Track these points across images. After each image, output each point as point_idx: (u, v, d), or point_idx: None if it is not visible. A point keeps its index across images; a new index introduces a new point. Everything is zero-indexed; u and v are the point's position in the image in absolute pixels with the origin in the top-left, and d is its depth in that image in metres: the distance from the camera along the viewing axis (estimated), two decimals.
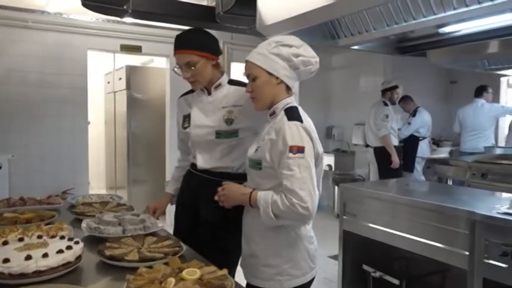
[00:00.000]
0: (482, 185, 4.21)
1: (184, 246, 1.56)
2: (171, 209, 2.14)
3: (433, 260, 2.30)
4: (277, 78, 1.58)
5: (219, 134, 1.86)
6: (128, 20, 3.85)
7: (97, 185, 6.98)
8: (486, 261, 1.98)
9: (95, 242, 1.59)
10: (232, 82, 1.97)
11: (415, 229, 2.34)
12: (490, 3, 2.10)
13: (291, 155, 1.46)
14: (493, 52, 3.62)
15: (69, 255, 1.35)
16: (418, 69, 5.88)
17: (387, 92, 5.07)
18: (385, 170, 4.92)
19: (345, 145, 6.60)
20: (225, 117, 1.86)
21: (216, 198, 1.67)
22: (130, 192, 5.76)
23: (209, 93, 1.94)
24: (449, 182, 4.88)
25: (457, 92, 7.05)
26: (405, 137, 5.66)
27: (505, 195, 2.56)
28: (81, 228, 1.75)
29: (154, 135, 5.81)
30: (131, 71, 5.76)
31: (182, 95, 2.10)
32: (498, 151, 4.82)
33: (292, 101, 1.63)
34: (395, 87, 5.04)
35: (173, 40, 1.89)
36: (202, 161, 1.92)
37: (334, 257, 3.09)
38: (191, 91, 2.04)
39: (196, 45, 1.84)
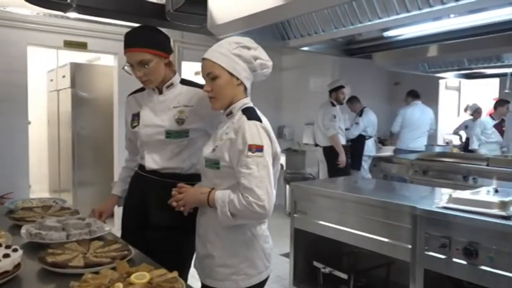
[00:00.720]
0: (423, 181, 4.45)
1: (133, 250, 1.51)
2: (119, 212, 2.07)
3: (379, 254, 2.40)
4: (237, 79, 1.58)
5: (169, 134, 1.82)
6: (72, 15, 3.68)
7: (39, 189, 6.60)
8: (427, 253, 2.09)
9: (36, 249, 1.51)
10: (184, 82, 1.94)
11: (362, 225, 2.43)
12: (428, 9, 2.22)
13: (249, 153, 1.47)
14: (432, 56, 3.84)
15: (6, 264, 1.26)
16: (365, 71, 6.11)
17: (333, 92, 5.22)
18: (334, 169, 5.07)
19: (295, 144, 6.72)
20: (176, 117, 1.83)
21: (173, 203, 1.63)
22: (76, 196, 5.51)
23: (160, 93, 1.89)
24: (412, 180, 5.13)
25: (400, 93, 7.40)
26: (354, 137, 5.87)
27: (444, 190, 2.71)
28: (21, 235, 1.64)
29: (101, 136, 5.59)
30: (76, 68, 5.50)
31: (131, 94, 2.04)
32: (437, 149, 5.11)
33: (249, 101, 1.64)
34: (341, 87, 5.20)
35: (121, 37, 1.83)
36: (150, 162, 1.87)
37: (286, 255, 3.14)
38: (141, 89, 1.98)
39: (149, 43, 1.79)
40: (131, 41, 1.80)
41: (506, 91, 4.91)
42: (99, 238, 1.66)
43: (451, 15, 2.51)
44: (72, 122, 5.48)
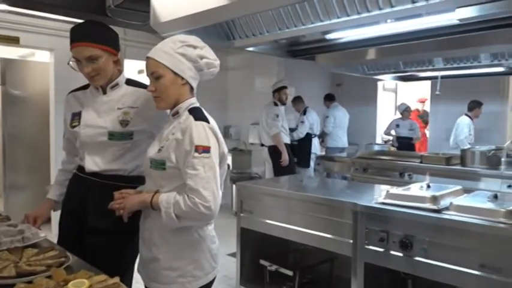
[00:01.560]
0: (364, 178, 4.66)
1: (71, 256, 1.44)
2: (56, 217, 1.96)
3: (323, 250, 2.47)
4: (182, 78, 1.55)
5: (112, 136, 1.75)
6: (2, 7, 3.43)
7: None
8: (367, 247, 2.19)
9: None
10: (130, 82, 1.87)
11: (306, 222, 2.49)
12: (366, 14, 2.32)
13: (196, 154, 1.45)
14: (371, 58, 4.02)
15: None
16: (308, 71, 6.29)
17: (276, 92, 5.31)
18: (279, 168, 5.16)
19: (241, 144, 6.75)
20: (120, 119, 1.76)
21: (114, 207, 1.57)
22: (7, 200, 5.13)
23: (104, 93, 1.81)
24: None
25: (342, 94, 7.69)
26: (303, 135, 6.04)
27: (382, 187, 2.85)
28: None
29: (36, 136, 5.25)
30: (7, 64, 5.13)
31: (72, 92, 1.93)
32: (376, 148, 5.37)
33: (196, 101, 1.62)
34: (284, 88, 5.30)
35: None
36: (91, 164, 1.79)
37: (233, 255, 3.14)
38: (83, 88, 1.89)
39: (99, 38, 1.72)
40: (80, 35, 1.71)
41: (437, 93, 5.26)
42: (34, 245, 1.56)
43: (388, 21, 2.66)
44: (2, 121, 5.10)
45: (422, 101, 8.59)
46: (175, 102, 1.59)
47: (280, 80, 5.54)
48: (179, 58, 1.53)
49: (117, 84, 1.82)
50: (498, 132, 6.28)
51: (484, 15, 2.11)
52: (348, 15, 2.44)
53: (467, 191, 2.37)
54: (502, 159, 4.22)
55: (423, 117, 8.41)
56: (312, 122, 6.19)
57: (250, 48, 3.43)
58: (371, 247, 2.17)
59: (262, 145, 5.43)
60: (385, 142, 7.58)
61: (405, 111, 7.06)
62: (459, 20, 2.22)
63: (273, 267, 2.71)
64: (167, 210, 1.46)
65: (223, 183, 1.62)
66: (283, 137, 5.22)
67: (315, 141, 6.23)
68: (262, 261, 2.77)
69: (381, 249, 2.13)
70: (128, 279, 1.79)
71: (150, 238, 1.59)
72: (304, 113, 6.18)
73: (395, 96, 9.30)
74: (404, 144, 6.67)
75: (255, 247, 2.89)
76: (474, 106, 5.97)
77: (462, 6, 2.12)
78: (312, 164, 6.12)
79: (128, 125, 1.76)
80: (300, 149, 5.91)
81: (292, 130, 6.18)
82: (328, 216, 2.39)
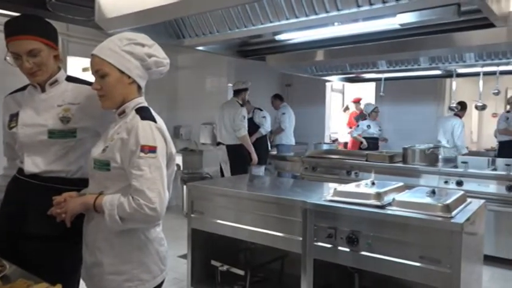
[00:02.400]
0: (313, 177, 4.79)
1: (8, 265, 1.35)
2: None
3: (273, 248, 2.51)
4: (129, 77, 1.50)
5: (52, 134, 1.66)
6: None
7: None
8: (315, 243, 2.25)
9: None
10: (71, 79, 1.79)
11: (257, 221, 2.51)
12: (314, 16, 2.38)
13: (142, 154, 1.41)
14: (319, 60, 4.13)
15: None
16: (259, 72, 6.32)
17: (240, 93, 5.30)
18: (237, 167, 5.16)
19: (192, 144, 6.67)
20: (60, 116, 1.67)
21: (54, 213, 1.50)
22: None
23: (43, 91, 1.72)
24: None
25: (291, 95, 7.83)
26: (269, 129, 6.11)
27: (331, 184, 2.93)
28: None
29: None
30: None
31: (10, 93, 1.81)
32: (325, 147, 5.52)
33: (143, 100, 1.58)
34: (247, 89, 5.30)
35: None
36: (30, 165, 1.68)
37: (184, 256, 3.10)
38: (21, 89, 1.79)
39: (40, 31, 1.62)
40: (19, 28, 1.60)
41: (381, 94, 5.50)
42: None
43: (335, 24, 2.74)
44: None
45: (357, 101, 8.43)
46: (122, 101, 1.54)
47: (244, 81, 5.51)
48: (126, 56, 1.49)
49: (56, 81, 1.73)
50: (436, 132, 6.66)
51: (422, 20, 2.23)
52: (297, 17, 2.50)
53: (408, 187, 2.50)
54: (439, 157, 4.51)
55: (358, 119, 7.83)
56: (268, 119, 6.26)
57: (201, 48, 3.41)
58: (320, 243, 2.23)
59: (219, 144, 5.40)
60: (333, 141, 7.81)
61: (373, 111, 6.93)
62: (400, 24, 2.34)
63: (225, 267, 2.71)
64: (111, 212, 1.41)
65: (172, 184, 1.59)
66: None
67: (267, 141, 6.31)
68: (213, 262, 2.76)
69: (329, 245, 2.20)
70: (72, 286, 1.71)
71: (94, 242, 1.53)
72: (253, 114, 6.24)
73: (343, 97, 9.62)
74: (372, 144, 6.68)
75: (206, 248, 2.87)
76: (463, 107, 6.21)
77: (403, 12, 2.24)
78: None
79: (69, 122, 1.68)
80: (258, 146, 5.93)
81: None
82: (278, 214, 2.42)
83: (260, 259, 2.89)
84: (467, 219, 1.92)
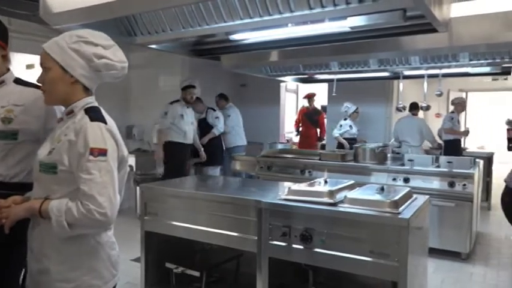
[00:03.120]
0: (268, 176, 4.83)
1: None
2: None
3: (229, 248, 2.50)
4: (72, 76, 1.43)
5: None
6: None
7: None
8: (270, 242, 2.27)
9: None
10: (19, 82, 1.69)
11: (212, 222, 2.49)
12: (268, 17, 2.41)
13: (91, 157, 1.35)
14: (273, 60, 4.17)
15: None
16: (214, 71, 6.27)
17: (183, 90, 5.26)
18: (167, 168, 5.17)
19: (145, 144, 6.52)
20: (2, 116, 1.59)
21: None
22: None
23: None
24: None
25: (246, 94, 7.86)
26: (223, 130, 6.10)
27: (286, 183, 2.97)
28: None
29: None
30: None
31: None
32: (280, 146, 5.59)
33: (93, 100, 1.51)
34: (189, 87, 5.24)
35: None
36: None
37: (137, 260, 3.02)
38: None
39: None
40: None
41: (333, 94, 5.66)
42: None
43: (289, 25, 2.78)
44: None
45: (310, 96, 7.72)
46: (64, 99, 1.47)
47: (185, 78, 5.47)
48: (71, 54, 1.42)
49: (3, 82, 1.64)
50: (385, 131, 6.95)
51: (371, 24, 2.32)
52: (251, 18, 2.51)
53: (359, 184, 2.59)
54: (388, 155, 4.70)
55: (312, 116, 7.48)
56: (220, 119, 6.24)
57: (153, 46, 3.34)
58: (274, 242, 2.26)
59: None
60: (287, 141, 7.92)
61: (355, 112, 6.86)
62: (350, 27, 2.42)
63: (179, 269, 2.67)
64: (58, 218, 1.34)
65: (124, 186, 1.55)
66: (173, 135, 5.17)
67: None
68: (168, 264, 2.71)
69: (284, 244, 2.23)
70: None
71: (40, 248, 1.45)
72: (206, 113, 6.20)
73: (297, 97, 9.78)
74: (352, 145, 6.73)
75: (160, 250, 2.82)
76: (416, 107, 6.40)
77: (353, 15, 2.31)
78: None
79: (10, 123, 1.59)
80: (212, 146, 5.89)
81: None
82: (233, 214, 2.42)
83: (216, 259, 2.87)
84: (413, 215, 2.02)
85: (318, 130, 7.74)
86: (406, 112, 6.30)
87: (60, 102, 1.48)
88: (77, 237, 1.42)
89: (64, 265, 1.43)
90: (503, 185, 3.05)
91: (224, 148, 6.28)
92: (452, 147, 6.07)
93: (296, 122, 7.95)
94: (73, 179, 1.39)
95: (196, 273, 2.64)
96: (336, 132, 6.82)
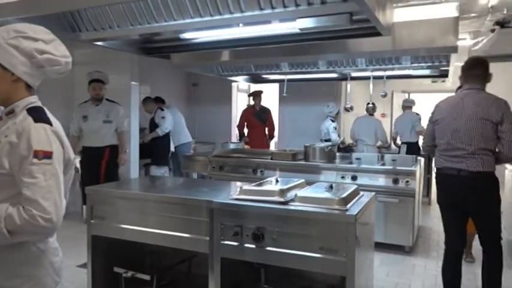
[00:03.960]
0: (220, 176, 4.81)
1: None
2: None
3: (181, 250, 2.47)
4: (13, 74, 1.34)
5: None
6: None
7: None
8: (222, 242, 2.26)
9: None
10: None
11: (163, 223, 2.44)
12: (219, 17, 2.40)
13: (35, 160, 1.27)
14: (225, 60, 4.17)
15: None
16: (164, 70, 6.18)
17: (88, 85, 5.06)
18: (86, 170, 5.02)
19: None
20: None
21: None
22: None
23: None
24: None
25: (198, 94, 7.79)
26: (168, 130, 5.98)
27: (238, 183, 2.97)
28: None
29: None
30: None
31: None
32: (232, 146, 5.59)
33: (37, 100, 1.42)
34: (94, 81, 4.99)
35: None
36: None
37: (84, 266, 2.89)
38: None
39: None
40: None
41: (284, 94, 5.75)
42: None
43: (240, 25, 2.79)
44: None
45: (256, 94, 6.96)
46: (6, 98, 1.38)
47: (92, 71, 5.09)
48: (10, 51, 1.33)
49: None
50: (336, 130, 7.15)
51: (319, 26, 2.38)
52: (201, 17, 2.49)
53: (309, 183, 2.65)
54: (337, 154, 4.85)
55: (260, 115, 6.88)
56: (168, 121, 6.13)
57: (100, 43, 3.22)
58: (227, 242, 2.25)
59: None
60: (239, 140, 7.92)
61: (338, 113, 6.86)
62: (300, 29, 2.47)
63: (129, 274, 2.59)
64: None
65: (68, 191, 1.48)
66: (83, 140, 5.02)
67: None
68: (116, 269, 2.62)
69: (236, 243, 2.23)
70: None
71: None
72: (154, 113, 6.08)
73: (249, 97, 9.82)
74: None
75: (109, 255, 2.72)
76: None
77: (302, 17, 2.36)
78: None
79: None
80: (157, 147, 5.78)
81: (142, 130, 6.05)
82: (184, 215, 2.39)
83: (167, 262, 2.82)
84: (360, 211, 2.09)
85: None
86: (355, 112, 6.54)
87: (1, 102, 1.39)
88: (17, 244, 1.34)
89: (2, 274, 1.34)
90: None
91: (172, 149, 6.16)
92: (416, 148, 6.19)
93: (241, 125, 6.99)
94: (14, 183, 1.30)
95: (147, 277, 2.58)
96: (336, 137, 6.60)
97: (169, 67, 4.81)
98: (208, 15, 2.46)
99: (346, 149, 6.20)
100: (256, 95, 6.91)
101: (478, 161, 2.62)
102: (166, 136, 6.06)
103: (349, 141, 6.86)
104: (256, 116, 6.89)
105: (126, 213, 2.56)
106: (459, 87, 3.05)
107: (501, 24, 3.55)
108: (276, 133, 7.30)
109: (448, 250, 2.90)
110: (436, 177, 2.91)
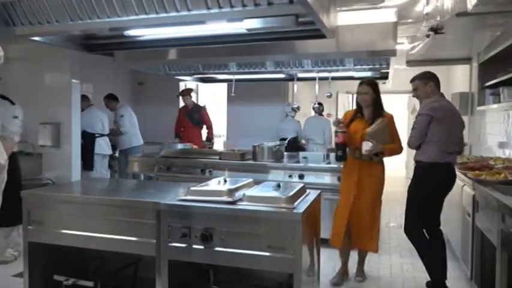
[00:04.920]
0: (168, 177, 4.72)
1: None
2: None
3: (126, 253, 2.39)
4: None
5: None
6: None
7: None
8: (170, 244, 2.22)
9: None
10: None
11: (107, 227, 2.35)
12: (165, 14, 2.36)
13: None
14: (172, 59, 4.09)
15: None
16: (108, 68, 5.95)
17: None
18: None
19: (29, 146, 5.89)
20: None
21: None
22: None
23: None
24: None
25: (145, 93, 7.59)
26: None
27: (186, 184, 2.93)
28: None
29: None
30: None
31: None
32: (179, 146, 5.49)
33: None
34: None
35: None
36: None
37: (20, 275, 2.72)
38: None
39: None
40: None
41: (232, 94, 5.75)
42: None
43: (187, 23, 2.75)
44: None
45: (186, 94, 6.70)
46: None
47: None
48: None
49: None
50: (282, 130, 7.26)
51: (266, 27, 2.41)
52: (147, 14, 2.43)
53: (258, 182, 2.66)
54: (285, 153, 4.93)
55: (192, 114, 6.59)
56: (102, 119, 5.90)
57: (36, 38, 3.04)
58: (174, 244, 2.21)
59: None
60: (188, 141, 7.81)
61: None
62: (247, 29, 2.48)
63: (70, 281, 2.47)
64: None
65: (1, 195, 1.38)
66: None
67: (101, 141, 5.91)
68: (56, 277, 2.49)
69: (184, 245, 2.20)
70: None
71: None
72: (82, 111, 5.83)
73: (197, 97, 9.72)
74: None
75: (48, 262, 2.57)
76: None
77: (249, 18, 2.38)
78: (98, 166, 5.78)
79: None
80: (84, 150, 5.49)
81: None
82: (130, 218, 2.31)
83: (112, 267, 2.72)
84: (307, 209, 2.14)
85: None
86: (302, 112, 6.68)
87: None
88: None
89: None
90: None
91: (98, 151, 5.88)
92: None
93: (176, 126, 6.72)
94: None
95: (90, 284, 2.48)
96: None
97: (114, 65, 4.64)
98: (153, 13, 2.41)
99: (299, 148, 6.32)
100: (185, 94, 6.57)
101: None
102: (90, 139, 5.77)
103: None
104: (188, 115, 6.52)
105: (67, 218, 2.44)
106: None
107: (435, 30, 3.79)
108: (224, 133, 7.25)
109: (439, 231, 3.23)
110: (431, 169, 3.10)
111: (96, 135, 5.78)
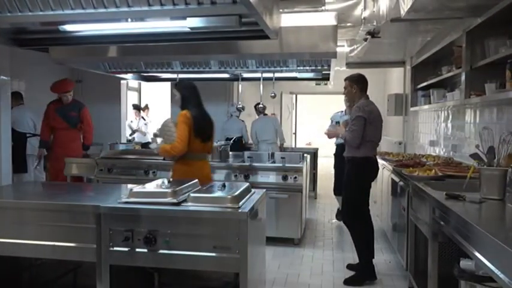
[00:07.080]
0: (109, 179, 4.55)
1: None
2: None
3: (64, 261, 2.27)
4: None
5: None
6: None
7: None
8: (112, 249, 2.13)
9: None
10: None
11: (43, 233, 2.21)
12: (103, 10, 2.26)
13: None
14: (112, 56, 3.93)
15: None
16: (43, 64, 5.57)
17: None
18: None
19: None
20: None
21: None
22: None
23: None
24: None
25: (84, 91, 7.25)
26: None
27: (129, 186, 2.82)
28: None
29: None
30: None
31: None
32: (121, 147, 5.30)
33: None
34: None
35: None
36: None
37: None
38: None
39: None
40: None
41: (176, 94, 5.64)
42: None
43: (129, 20, 2.67)
44: None
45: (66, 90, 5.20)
46: None
47: None
48: None
49: None
50: (227, 130, 7.26)
51: (210, 26, 2.39)
52: (84, 8, 2.32)
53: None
54: (230, 153, 4.93)
55: (66, 112, 5.08)
56: (33, 118, 5.55)
57: None
58: (116, 248, 2.13)
59: None
60: (129, 141, 7.57)
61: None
62: (190, 28, 2.45)
63: None
64: None
65: None
66: None
67: (33, 141, 5.52)
68: None
69: (126, 249, 2.12)
70: None
71: None
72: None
73: (139, 96, 9.46)
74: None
75: None
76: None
77: (192, 16, 2.35)
78: (31, 167, 5.42)
79: None
80: (15, 150, 5.08)
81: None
82: (68, 223, 2.20)
83: (48, 275, 2.57)
84: (252, 208, 2.16)
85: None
86: (246, 112, 6.70)
87: None
88: None
89: None
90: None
91: (29, 152, 5.51)
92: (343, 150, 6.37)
93: (45, 126, 5.08)
94: None
95: None
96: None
97: (50, 62, 4.37)
98: (91, 8, 2.30)
99: (244, 148, 6.33)
100: (67, 89, 5.11)
101: None
102: (21, 139, 5.39)
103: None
104: (60, 113, 5.03)
105: None
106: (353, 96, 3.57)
107: (372, 34, 3.98)
108: None
109: (369, 214, 3.58)
110: (365, 163, 3.44)
111: (28, 134, 5.40)
